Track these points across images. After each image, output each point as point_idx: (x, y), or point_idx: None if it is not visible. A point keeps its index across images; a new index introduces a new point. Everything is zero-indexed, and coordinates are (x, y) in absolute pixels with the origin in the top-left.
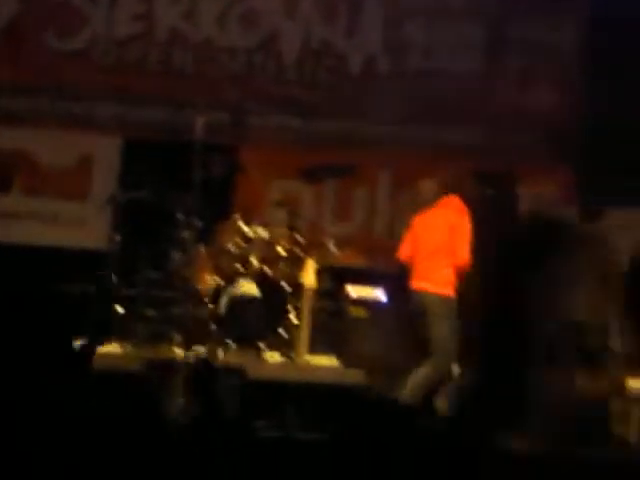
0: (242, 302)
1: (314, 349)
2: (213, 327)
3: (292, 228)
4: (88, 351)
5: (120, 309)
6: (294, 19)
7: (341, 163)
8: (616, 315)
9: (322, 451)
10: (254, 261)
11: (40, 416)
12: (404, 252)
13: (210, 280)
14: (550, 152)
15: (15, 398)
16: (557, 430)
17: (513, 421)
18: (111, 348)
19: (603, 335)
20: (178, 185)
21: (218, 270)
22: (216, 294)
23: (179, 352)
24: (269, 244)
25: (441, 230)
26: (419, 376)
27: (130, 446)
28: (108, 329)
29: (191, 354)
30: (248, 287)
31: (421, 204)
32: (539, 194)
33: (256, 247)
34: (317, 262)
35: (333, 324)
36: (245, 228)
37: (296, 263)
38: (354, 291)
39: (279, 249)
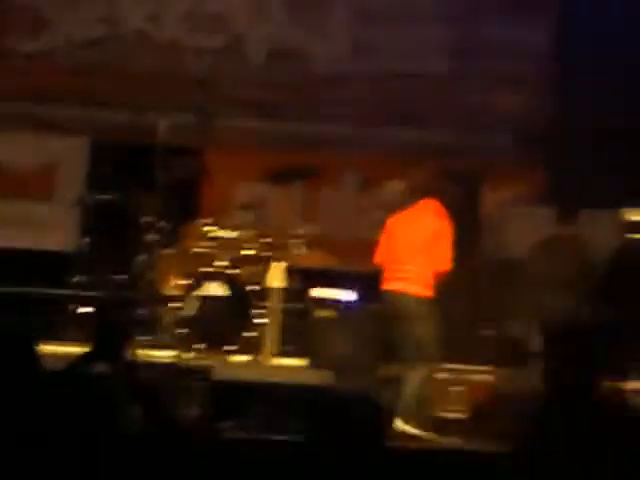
0: (209, 304)
1: (281, 350)
2: (180, 329)
3: (258, 230)
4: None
5: (86, 311)
6: (259, 20)
7: (307, 165)
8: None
9: (290, 452)
10: (220, 263)
11: None
12: (380, 254)
13: (176, 282)
14: (519, 152)
15: None
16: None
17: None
18: (78, 350)
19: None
20: (143, 187)
21: (184, 272)
22: (182, 296)
23: (146, 354)
24: (235, 246)
25: (422, 232)
26: (415, 387)
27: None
28: (75, 331)
29: (158, 356)
30: (215, 289)
31: (397, 205)
32: (508, 194)
33: (222, 249)
34: (284, 263)
35: (300, 325)
36: (211, 230)
37: (263, 264)
38: (321, 292)
39: (245, 251)
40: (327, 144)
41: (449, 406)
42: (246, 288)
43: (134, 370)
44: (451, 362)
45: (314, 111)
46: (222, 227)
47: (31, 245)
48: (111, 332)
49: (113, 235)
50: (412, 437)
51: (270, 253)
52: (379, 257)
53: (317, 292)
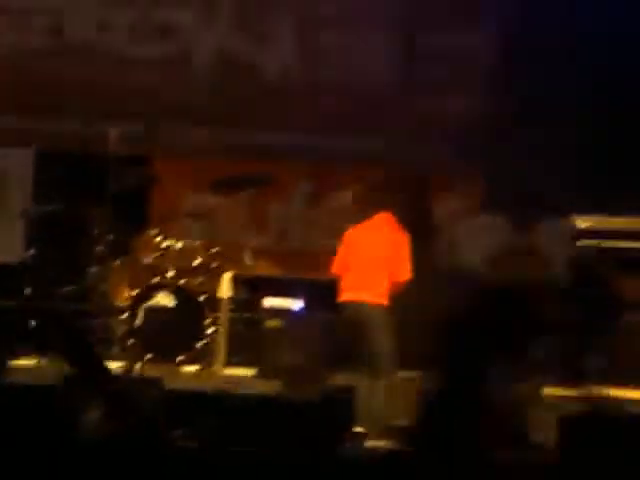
0: (158, 314)
1: (231, 360)
2: (130, 340)
3: (208, 239)
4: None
5: (35, 322)
6: (208, 30)
7: (256, 174)
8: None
9: (240, 462)
10: (170, 273)
11: None
12: (338, 266)
13: (126, 293)
14: (464, 160)
15: None
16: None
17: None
18: (27, 362)
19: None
20: (92, 198)
21: (134, 283)
22: (132, 307)
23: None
24: (185, 256)
25: (381, 244)
26: (379, 396)
27: (44, 461)
28: (24, 343)
29: (108, 367)
30: (164, 299)
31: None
32: (454, 202)
33: (172, 259)
34: (234, 273)
35: (250, 335)
36: (160, 240)
37: (212, 274)
38: (270, 301)
39: (195, 261)
40: (276, 153)
41: (403, 413)
42: (196, 298)
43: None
44: (404, 370)
45: (263, 120)
46: (172, 237)
47: None
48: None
49: (62, 246)
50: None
51: (220, 263)
52: (337, 269)
53: (267, 301)
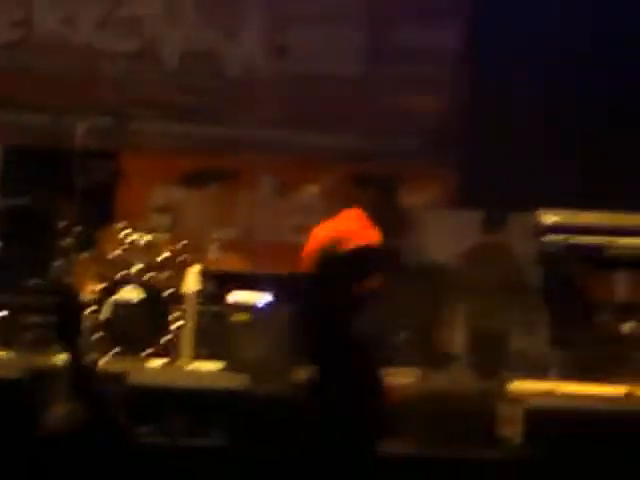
0: (125, 308)
1: (198, 354)
2: (96, 334)
3: (174, 233)
4: None
5: (1, 316)
6: (174, 24)
7: (223, 168)
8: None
9: (207, 457)
10: (136, 267)
11: None
12: (307, 262)
13: (92, 287)
14: (433, 156)
15: None
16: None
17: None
18: None
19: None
20: (59, 192)
21: (100, 277)
22: (99, 301)
23: (61, 359)
24: (151, 250)
25: (352, 239)
26: None
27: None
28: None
29: (74, 361)
30: (131, 293)
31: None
32: (421, 197)
33: (138, 253)
34: (200, 267)
35: (217, 329)
36: (127, 234)
37: (179, 268)
38: (237, 295)
39: (161, 255)
40: (243, 147)
41: None
42: (162, 292)
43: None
44: None
45: (230, 114)
46: (138, 231)
47: None
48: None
49: (28, 240)
50: None
51: (186, 257)
52: (306, 264)
53: (233, 295)
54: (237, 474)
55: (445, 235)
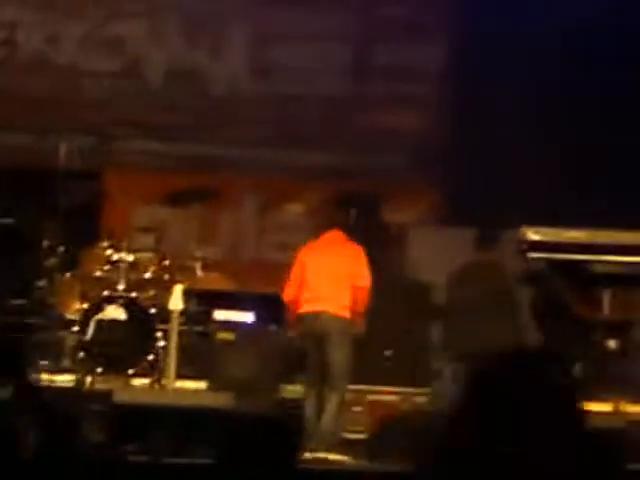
0: (109, 327)
1: (182, 373)
2: (80, 353)
3: (158, 252)
4: None
5: None
6: (158, 43)
7: (206, 187)
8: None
9: (191, 475)
10: (120, 286)
11: None
12: (294, 283)
13: (77, 306)
14: (417, 173)
15: None
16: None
17: None
18: None
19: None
20: (43, 211)
21: (85, 296)
22: (83, 320)
23: (46, 378)
24: (135, 268)
25: (337, 257)
26: (333, 409)
27: None
28: None
29: (59, 380)
30: (115, 312)
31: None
32: (405, 215)
33: (122, 272)
34: (184, 286)
35: (201, 347)
36: (111, 253)
37: (163, 287)
38: (221, 314)
39: (146, 274)
40: (227, 166)
41: (352, 426)
42: (147, 311)
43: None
44: (354, 383)
45: (213, 133)
46: (122, 250)
47: None
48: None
49: (12, 259)
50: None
51: (170, 276)
52: (292, 287)
53: (218, 314)
54: None
55: (431, 252)
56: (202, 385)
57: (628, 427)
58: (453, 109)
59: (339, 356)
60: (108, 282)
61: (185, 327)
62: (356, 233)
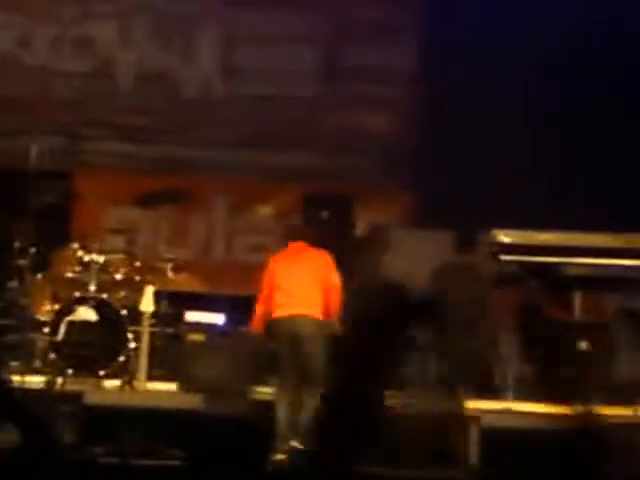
0: (80, 328)
1: (153, 374)
2: (51, 354)
3: (129, 254)
4: None
5: None
6: (129, 45)
7: (177, 188)
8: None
9: (161, 477)
10: (92, 287)
11: None
12: (267, 292)
13: (48, 307)
14: (387, 175)
15: None
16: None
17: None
18: None
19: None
20: (14, 212)
21: (56, 297)
22: (54, 321)
23: (16, 379)
24: (106, 270)
25: (307, 263)
26: (309, 413)
27: None
28: None
29: (30, 381)
30: (86, 313)
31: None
32: (376, 217)
33: (93, 273)
34: (155, 287)
35: (172, 349)
36: (82, 254)
37: (134, 289)
38: (192, 316)
39: (117, 275)
40: (197, 168)
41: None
42: (118, 312)
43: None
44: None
45: (183, 135)
46: (93, 251)
47: None
48: None
49: None
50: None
51: (141, 277)
52: (266, 294)
53: (189, 316)
54: None
55: (403, 254)
56: (173, 387)
57: (599, 429)
58: (424, 111)
59: (317, 357)
60: (79, 283)
61: (156, 328)
62: (327, 234)
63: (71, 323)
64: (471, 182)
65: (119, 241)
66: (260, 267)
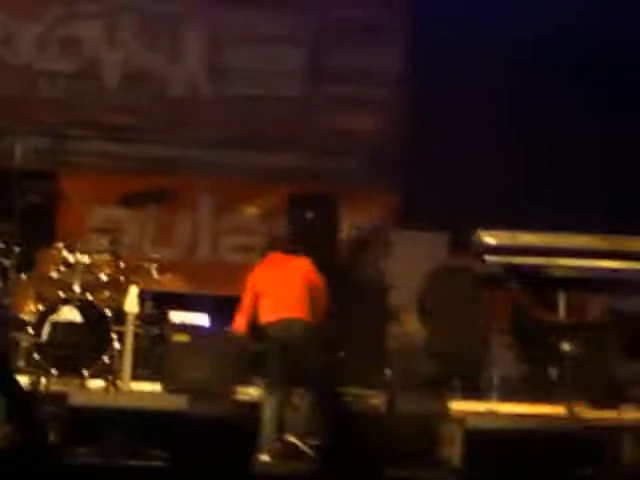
0: (64, 329)
1: (137, 375)
2: (36, 354)
3: (114, 254)
4: None
5: None
6: (114, 44)
7: (163, 188)
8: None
9: (146, 478)
10: (76, 287)
11: None
12: (250, 300)
13: (32, 307)
14: (373, 176)
15: None
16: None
17: None
18: None
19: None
20: None
21: (40, 297)
22: (38, 321)
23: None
24: (91, 270)
25: (289, 270)
26: (306, 414)
27: None
28: None
29: (12, 381)
30: (70, 313)
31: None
32: (362, 218)
33: (78, 273)
34: (140, 288)
35: (156, 350)
36: (66, 255)
37: (119, 289)
38: (177, 316)
39: (101, 275)
40: (183, 168)
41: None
42: (102, 313)
43: None
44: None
45: (170, 135)
46: (78, 251)
47: None
48: None
49: None
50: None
51: (126, 277)
52: (247, 303)
53: (174, 316)
54: None
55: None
56: (157, 387)
57: (584, 431)
58: (410, 112)
59: (309, 359)
60: (63, 283)
61: (140, 329)
62: (311, 235)
63: (55, 323)
64: (457, 183)
65: (104, 241)
66: (245, 267)
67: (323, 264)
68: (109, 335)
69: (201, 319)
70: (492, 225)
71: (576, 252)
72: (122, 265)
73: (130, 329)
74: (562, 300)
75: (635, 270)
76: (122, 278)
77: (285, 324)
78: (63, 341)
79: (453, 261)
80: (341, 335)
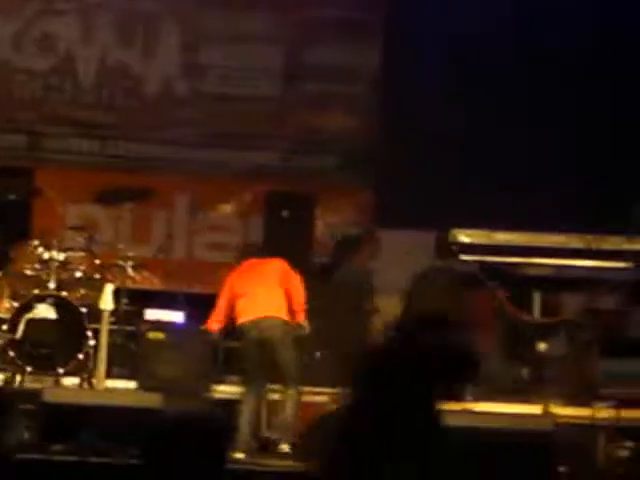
0: (39, 326)
1: (112, 372)
2: (10, 351)
3: (89, 251)
4: None
5: None
6: (90, 42)
7: (138, 186)
8: None
9: (120, 475)
10: (51, 285)
11: None
12: (227, 303)
13: (7, 305)
14: (349, 175)
15: None
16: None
17: None
18: None
19: None
20: None
21: (15, 294)
22: (13, 318)
23: None
24: (66, 267)
25: (269, 272)
26: (292, 408)
27: None
28: None
29: None
30: (45, 311)
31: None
32: (338, 216)
33: (53, 270)
34: (115, 285)
35: (131, 347)
36: (42, 252)
37: (94, 286)
38: (152, 313)
39: (77, 272)
40: (158, 165)
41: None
42: (77, 310)
43: None
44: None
45: (146, 132)
46: (53, 249)
47: None
48: None
49: None
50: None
51: (101, 275)
52: (222, 305)
53: (149, 314)
54: None
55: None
56: (132, 385)
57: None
58: (386, 110)
59: (288, 357)
60: (39, 281)
61: (115, 326)
62: (287, 233)
63: (30, 321)
64: (433, 181)
65: (79, 238)
66: (221, 265)
67: (299, 262)
68: (84, 333)
69: (176, 317)
70: (467, 224)
71: (551, 251)
72: (97, 262)
73: (105, 327)
74: (537, 299)
75: (610, 268)
76: (97, 275)
77: (260, 323)
78: (38, 338)
79: (439, 262)
80: (321, 334)
